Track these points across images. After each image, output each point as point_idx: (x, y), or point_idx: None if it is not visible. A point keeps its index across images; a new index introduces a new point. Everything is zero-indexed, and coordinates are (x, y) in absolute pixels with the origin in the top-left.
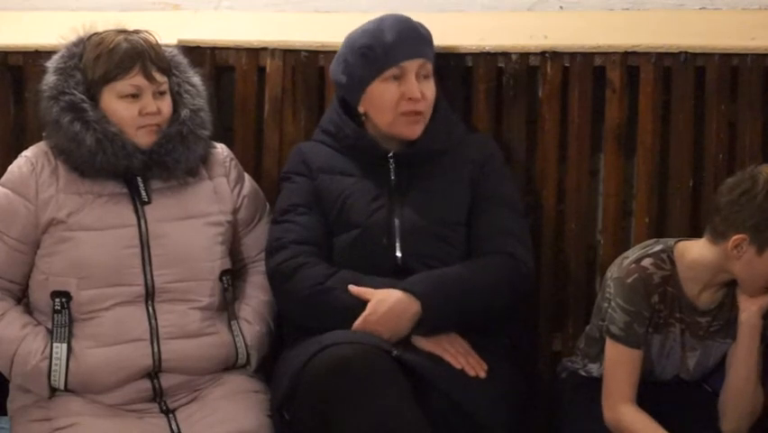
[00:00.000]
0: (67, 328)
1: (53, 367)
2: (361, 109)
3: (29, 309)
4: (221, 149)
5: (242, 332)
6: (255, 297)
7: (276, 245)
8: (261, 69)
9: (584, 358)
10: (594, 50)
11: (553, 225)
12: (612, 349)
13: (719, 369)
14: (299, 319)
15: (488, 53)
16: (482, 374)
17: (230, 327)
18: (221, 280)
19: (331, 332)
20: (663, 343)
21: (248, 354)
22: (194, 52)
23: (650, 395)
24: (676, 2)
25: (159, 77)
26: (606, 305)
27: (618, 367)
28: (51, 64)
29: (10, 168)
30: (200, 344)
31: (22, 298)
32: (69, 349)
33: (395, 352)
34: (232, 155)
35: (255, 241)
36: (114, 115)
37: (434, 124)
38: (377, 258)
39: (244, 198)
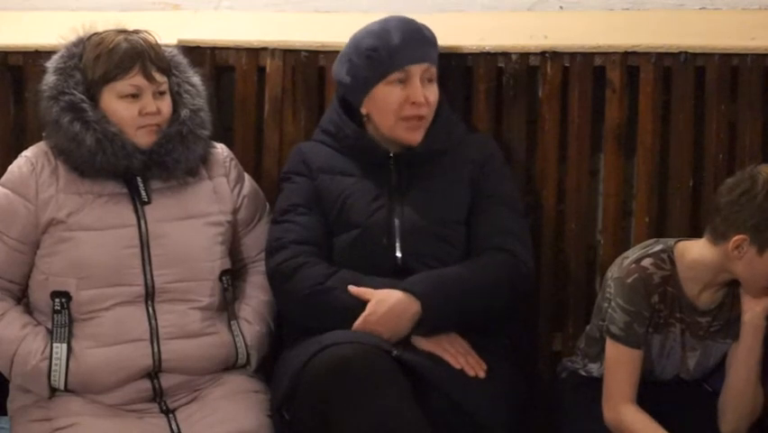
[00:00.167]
0: (67, 328)
1: (53, 367)
2: (363, 110)
3: (29, 309)
4: (221, 149)
5: (242, 332)
6: (255, 297)
7: (276, 245)
8: (261, 69)
9: (584, 358)
10: (594, 50)
11: (553, 225)
12: (612, 349)
13: (719, 369)
14: (299, 319)
15: (488, 53)
16: (482, 374)
17: (230, 327)
18: (221, 280)
19: (331, 332)
20: (663, 343)
21: (248, 354)
22: (194, 52)
23: (650, 395)
24: (676, 2)
25: (159, 77)
26: (606, 305)
27: (619, 367)
28: (51, 64)
29: (10, 168)
30: (200, 344)
31: (22, 298)
32: (69, 349)
33: (395, 352)
34: (232, 155)
35: (255, 241)
36: (114, 115)
37: (434, 125)
38: (377, 258)
39: (244, 198)
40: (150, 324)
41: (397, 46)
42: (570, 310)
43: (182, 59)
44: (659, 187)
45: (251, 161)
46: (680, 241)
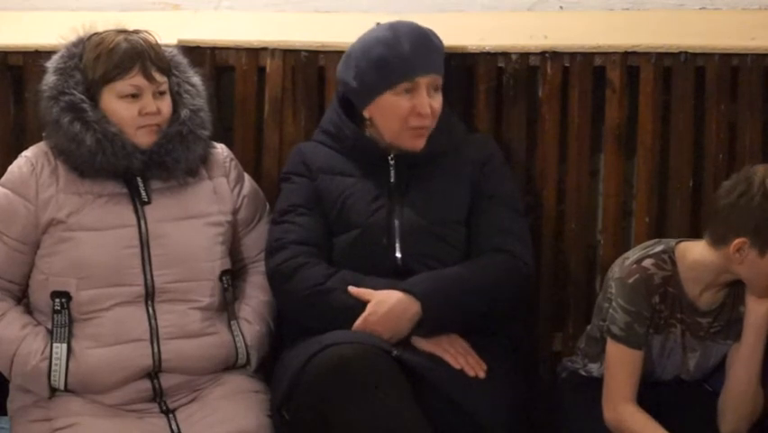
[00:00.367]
0: (67, 328)
1: (53, 367)
2: (366, 114)
3: (29, 310)
4: (221, 149)
5: (242, 332)
6: (255, 297)
7: (276, 246)
8: (261, 69)
9: (584, 358)
10: (594, 50)
11: (553, 225)
12: (613, 349)
13: (720, 369)
14: (299, 320)
15: (488, 53)
16: (482, 375)
17: (230, 327)
18: (221, 280)
19: (331, 332)
20: (664, 343)
21: (248, 354)
22: (194, 52)
23: (650, 395)
24: (676, 2)
25: (158, 77)
26: (607, 305)
27: (619, 367)
28: (51, 64)
29: (10, 168)
30: (200, 344)
31: (22, 298)
32: (69, 349)
33: (395, 352)
34: (232, 155)
35: (255, 241)
36: (114, 115)
37: (435, 127)
38: (377, 258)
39: (244, 198)
40: (150, 324)
41: (406, 57)
42: (570, 310)
43: (182, 59)
44: (659, 187)
45: (251, 161)
46: (681, 241)
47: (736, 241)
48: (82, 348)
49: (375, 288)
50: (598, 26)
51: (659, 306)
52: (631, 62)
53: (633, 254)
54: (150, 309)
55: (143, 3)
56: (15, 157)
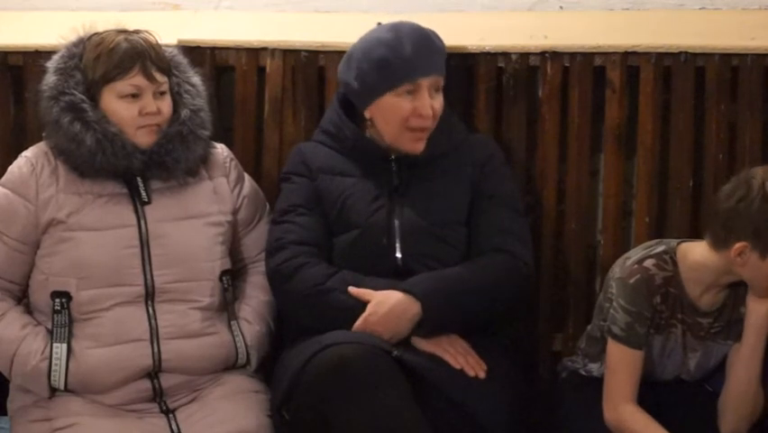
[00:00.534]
0: (67, 329)
1: (53, 367)
2: (367, 114)
3: (29, 310)
4: (221, 149)
5: (242, 332)
6: (255, 297)
7: (276, 246)
8: (261, 69)
9: (584, 358)
10: (594, 50)
11: (553, 225)
12: (613, 349)
13: (720, 370)
14: (299, 320)
15: (488, 53)
16: (482, 375)
17: (230, 327)
18: (221, 280)
19: (331, 332)
20: (665, 343)
21: (248, 354)
22: (194, 52)
23: (651, 395)
24: (676, 2)
25: (159, 77)
26: (607, 305)
27: (619, 367)
28: (51, 64)
29: (10, 168)
30: (200, 344)
31: (22, 298)
32: (69, 349)
33: (395, 352)
34: (232, 155)
35: (255, 241)
36: (114, 115)
37: (435, 128)
38: (377, 259)
39: (244, 198)
40: (150, 324)
41: (408, 59)
42: (570, 310)
43: (182, 59)
44: (659, 187)
45: (251, 161)
46: (682, 242)
47: (737, 245)
48: (82, 348)
49: (375, 288)
50: (598, 26)
51: (660, 306)
52: (631, 62)
53: (634, 254)
54: (150, 309)
55: (143, 3)
56: (15, 157)
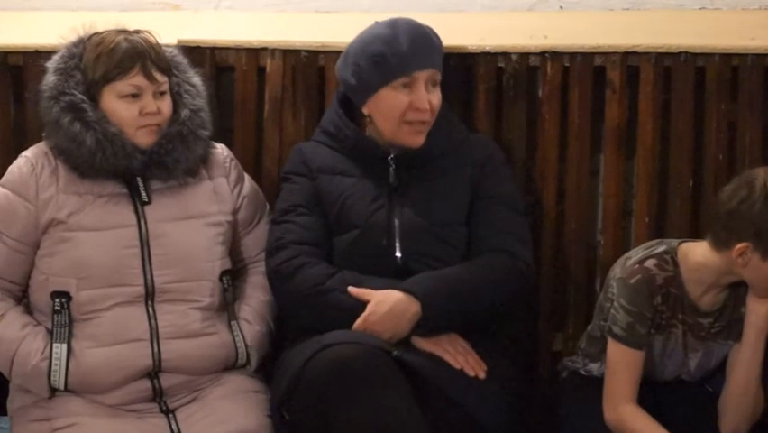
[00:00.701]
0: (67, 329)
1: (53, 367)
2: (365, 111)
3: (29, 310)
4: (221, 149)
5: (242, 332)
6: (255, 297)
7: (276, 246)
8: (261, 69)
9: (585, 358)
10: (594, 50)
11: (553, 225)
12: (614, 349)
13: (721, 370)
14: (299, 320)
15: (488, 53)
16: (482, 375)
17: (230, 327)
18: (221, 280)
19: (331, 332)
20: (665, 344)
21: (248, 354)
22: (194, 52)
23: (651, 395)
24: (676, 2)
25: (159, 77)
26: (608, 305)
27: (620, 367)
28: (51, 64)
29: (10, 168)
30: (200, 344)
31: (22, 298)
32: (69, 349)
33: (395, 352)
34: (232, 155)
35: (255, 241)
36: (114, 115)
37: (434, 126)
38: (377, 258)
39: (244, 198)
40: (149, 324)
41: (404, 52)
42: (570, 310)
43: (182, 59)
44: (659, 187)
45: (251, 161)
46: (683, 242)
47: (739, 246)
48: (82, 348)
49: (375, 288)
50: (598, 26)
51: (661, 306)
52: (631, 62)
53: (635, 255)
54: (150, 309)
55: (143, 3)
56: (15, 157)
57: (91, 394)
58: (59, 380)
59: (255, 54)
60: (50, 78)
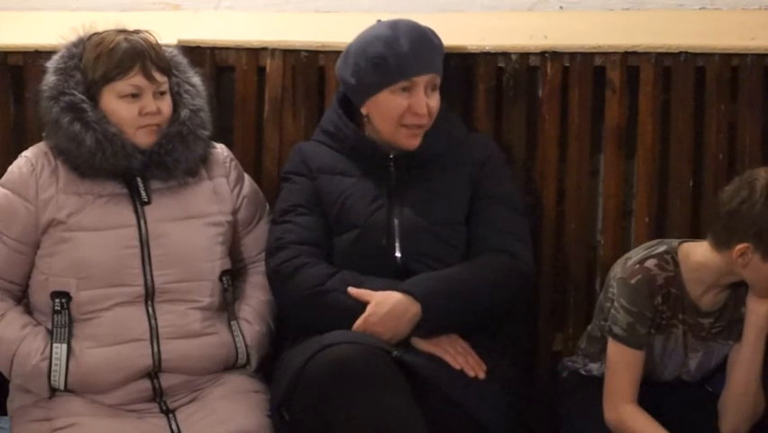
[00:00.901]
0: (66, 329)
1: (53, 367)
2: (364, 111)
3: (29, 310)
4: (221, 149)
5: (242, 332)
6: (255, 297)
7: (276, 246)
8: (261, 69)
9: (585, 358)
10: (594, 50)
11: (553, 225)
12: (614, 349)
13: (721, 370)
14: (299, 320)
15: (488, 53)
16: (481, 375)
17: (230, 327)
18: (221, 280)
19: (331, 332)
20: (666, 344)
21: (248, 354)
22: (194, 52)
23: (651, 395)
24: (676, 2)
25: (159, 77)
26: (608, 305)
27: (620, 367)
28: (51, 64)
29: (10, 168)
30: (200, 344)
31: (22, 298)
32: (69, 349)
33: (395, 352)
34: (231, 155)
35: (255, 241)
36: (114, 115)
37: (433, 126)
38: (377, 259)
39: (244, 198)
40: (149, 324)
41: (405, 56)
42: (570, 310)
43: (182, 59)
44: (659, 187)
45: (251, 161)
46: (684, 242)
47: (739, 246)
48: (82, 348)
49: (375, 289)
50: (598, 26)
51: (661, 306)
52: (631, 62)
53: (635, 255)
54: (150, 309)
55: (143, 3)
56: (15, 157)
57: (91, 394)
58: (58, 380)
59: (255, 54)
60: (49, 78)
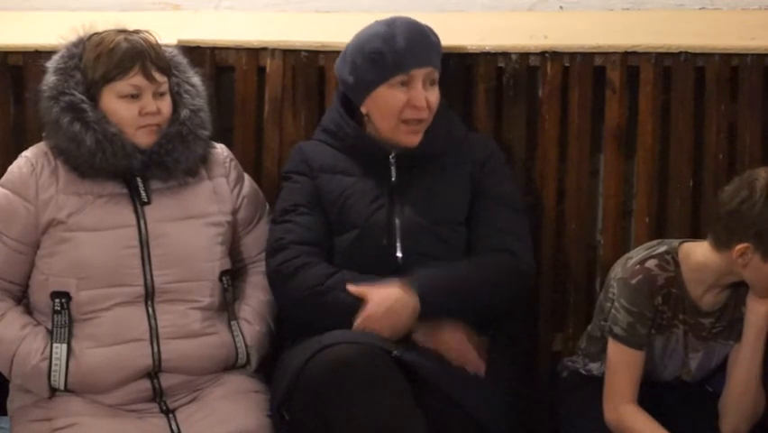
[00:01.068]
0: (66, 329)
1: (53, 367)
2: (363, 110)
3: (29, 310)
4: (221, 149)
5: (242, 332)
6: (255, 297)
7: (276, 246)
8: (261, 69)
9: (585, 357)
10: (594, 50)
11: (553, 225)
12: (614, 349)
13: (721, 370)
14: (299, 319)
15: (488, 53)
16: (482, 373)
17: (230, 327)
18: (221, 280)
19: (331, 332)
20: (666, 344)
21: (248, 354)
22: (194, 52)
23: (651, 396)
24: (676, 2)
25: (159, 77)
26: (609, 305)
27: (620, 367)
28: (51, 64)
29: (10, 168)
30: (200, 344)
31: (22, 298)
32: (69, 349)
33: (395, 352)
34: (231, 155)
35: (255, 241)
36: (114, 115)
37: (433, 125)
38: (377, 258)
39: (244, 198)
40: (149, 324)
41: (401, 51)
42: (570, 310)
43: (182, 59)
44: (659, 187)
45: (251, 161)
46: (684, 242)
47: (739, 246)
48: (82, 348)
49: None
50: (598, 26)
51: (661, 307)
52: (631, 62)
53: (636, 255)
54: (150, 309)
55: (143, 3)
56: (15, 157)
57: (91, 394)
58: (58, 380)
59: (255, 54)
60: (49, 78)
